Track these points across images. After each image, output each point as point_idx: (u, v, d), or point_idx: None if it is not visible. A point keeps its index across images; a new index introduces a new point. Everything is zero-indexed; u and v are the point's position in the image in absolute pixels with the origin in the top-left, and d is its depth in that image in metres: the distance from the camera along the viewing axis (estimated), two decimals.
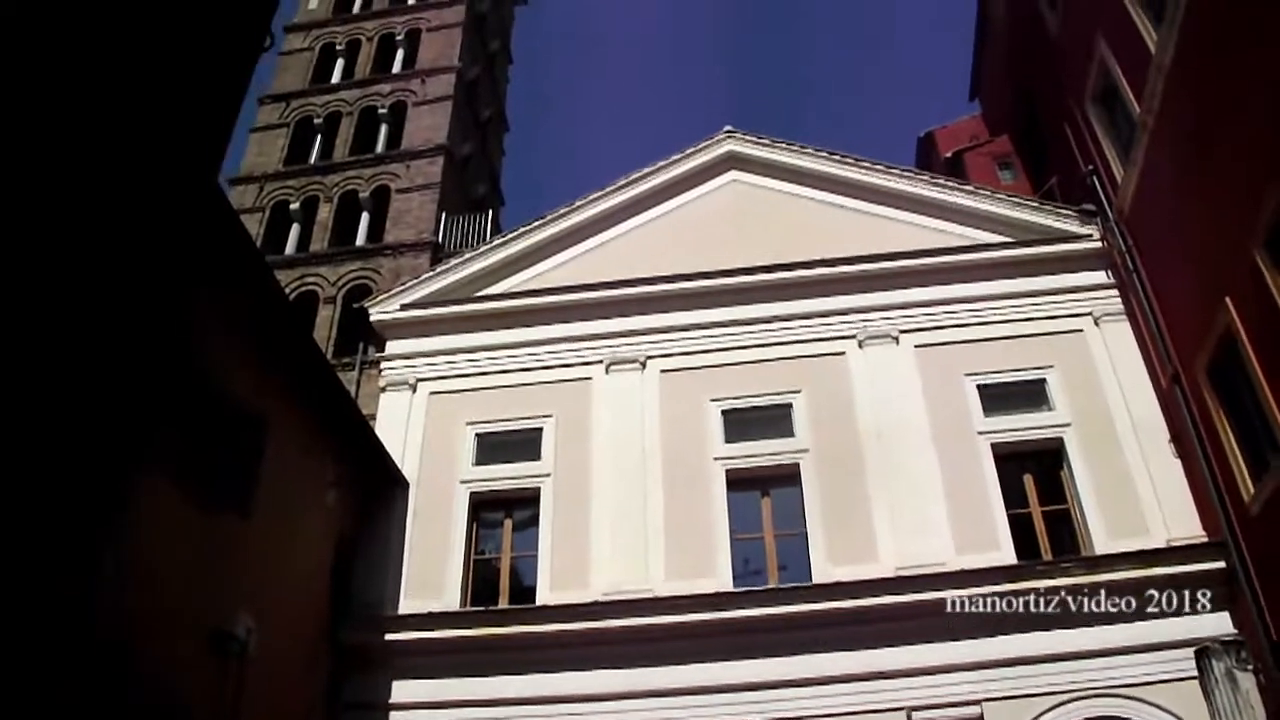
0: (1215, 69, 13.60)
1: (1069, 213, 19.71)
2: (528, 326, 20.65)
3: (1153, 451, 17.21)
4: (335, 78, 31.44)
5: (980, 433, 17.96)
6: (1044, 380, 18.37)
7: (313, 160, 28.95)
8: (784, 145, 22.26)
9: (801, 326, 19.76)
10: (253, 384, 14.46)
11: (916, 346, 19.16)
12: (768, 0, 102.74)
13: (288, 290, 23.44)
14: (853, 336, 19.47)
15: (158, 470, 11.55)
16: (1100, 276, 19.17)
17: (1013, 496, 17.47)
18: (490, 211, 28.08)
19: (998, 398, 18.30)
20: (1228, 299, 14.16)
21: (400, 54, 31.76)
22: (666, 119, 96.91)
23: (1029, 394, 18.34)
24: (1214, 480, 15.56)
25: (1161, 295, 17.11)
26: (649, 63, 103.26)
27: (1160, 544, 16.23)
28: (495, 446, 19.37)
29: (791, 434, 18.60)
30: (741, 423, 18.93)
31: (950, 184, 21.26)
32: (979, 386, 18.41)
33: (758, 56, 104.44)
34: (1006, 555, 16.66)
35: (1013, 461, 17.85)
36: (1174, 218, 15.98)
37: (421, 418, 19.82)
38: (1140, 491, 16.95)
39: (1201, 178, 14.63)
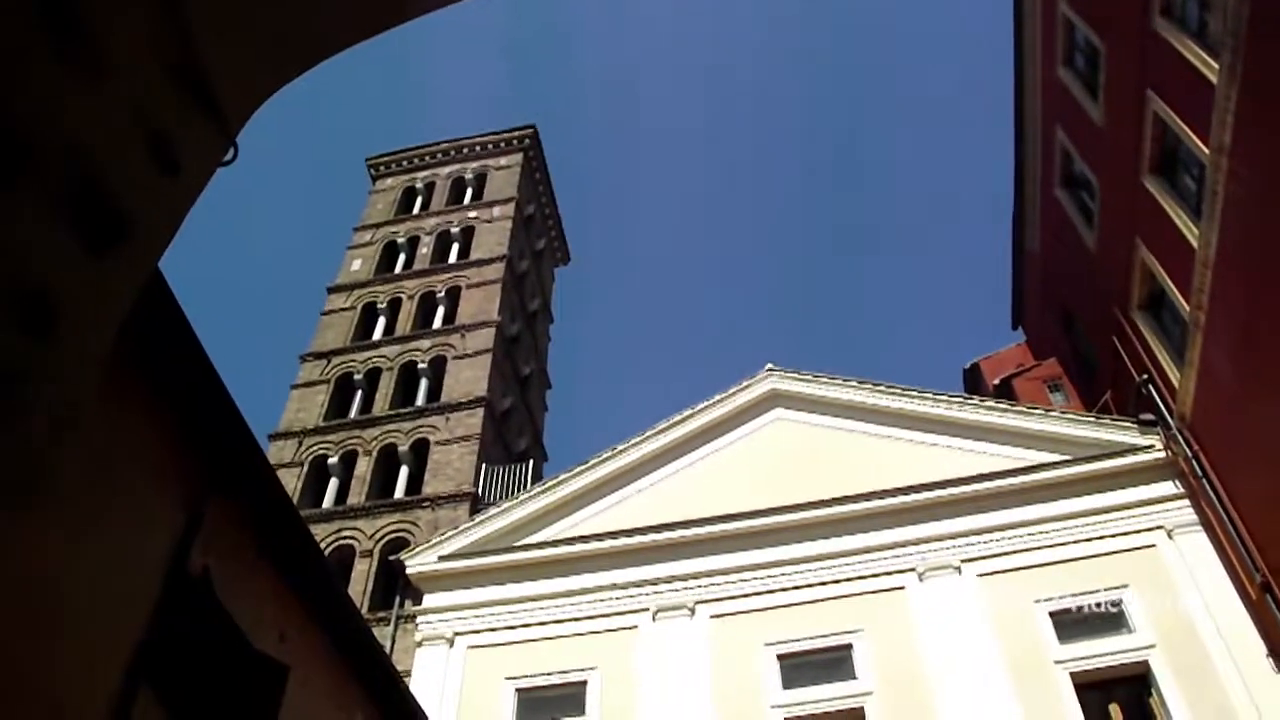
0: (1261, 255, 13.07)
1: (1128, 424, 18.88)
2: (570, 575, 19.81)
3: (1249, 667, 15.66)
4: (376, 335, 31.90)
5: (1057, 662, 16.60)
6: (1121, 601, 17.04)
7: (353, 415, 28.99)
8: (826, 379, 21.87)
9: (857, 562, 18.82)
10: (278, 632, 13.63)
11: (980, 575, 18.09)
12: (804, 240, 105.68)
13: (324, 544, 22.84)
14: (912, 570, 18.49)
15: (158, 698, 10.60)
16: (1169, 487, 18.10)
17: None
18: (531, 463, 27.54)
19: (1073, 623, 17.00)
20: None
21: (441, 310, 32.36)
22: (710, 361, 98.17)
23: (1106, 617, 16.98)
24: None
25: (1237, 499, 16.03)
26: (691, 309, 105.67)
27: None
28: (537, 703, 18.19)
29: (854, 676, 17.39)
30: (799, 667, 17.72)
31: (1001, 405, 20.71)
32: (1051, 613, 17.15)
33: (796, 297, 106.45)
34: None
35: (1096, 691, 16.36)
36: (1240, 415, 15.13)
37: (459, 673, 18.78)
38: (1239, 712, 15.29)
39: (1263, 368, 13.85)
